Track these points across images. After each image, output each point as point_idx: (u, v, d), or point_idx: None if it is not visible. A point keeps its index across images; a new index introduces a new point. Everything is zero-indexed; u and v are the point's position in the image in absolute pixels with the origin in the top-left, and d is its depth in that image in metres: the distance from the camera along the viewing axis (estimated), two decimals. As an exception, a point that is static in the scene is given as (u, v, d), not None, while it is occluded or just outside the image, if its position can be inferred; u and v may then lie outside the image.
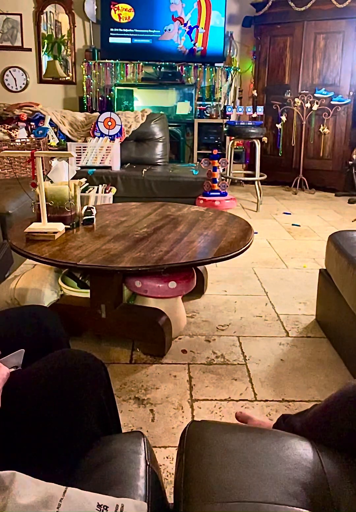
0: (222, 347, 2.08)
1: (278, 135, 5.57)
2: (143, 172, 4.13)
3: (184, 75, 5.52)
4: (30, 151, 1.94)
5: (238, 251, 1.91)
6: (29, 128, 4.29)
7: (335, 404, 0.97)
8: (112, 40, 5.41)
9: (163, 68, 5.51)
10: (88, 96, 5.51)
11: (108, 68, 5.48)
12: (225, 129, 4.95)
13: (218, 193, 4.23)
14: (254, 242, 2.14)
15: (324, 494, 0.77)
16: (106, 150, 4.19)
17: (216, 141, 5.49)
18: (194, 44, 5.46)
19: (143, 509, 0.71)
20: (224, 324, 2.29)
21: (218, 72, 5.52)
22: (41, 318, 1.17)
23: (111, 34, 5.39)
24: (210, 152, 4.36)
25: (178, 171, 4.27)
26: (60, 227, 2.04)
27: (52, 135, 4.36)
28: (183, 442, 0.91)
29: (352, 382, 0.98)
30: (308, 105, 5.21)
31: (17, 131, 3.92)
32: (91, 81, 5.49)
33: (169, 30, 5.42)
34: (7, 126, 4.04)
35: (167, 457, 1.45)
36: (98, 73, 5.48)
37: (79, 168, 3.91)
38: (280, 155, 5.62)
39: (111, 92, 5.47)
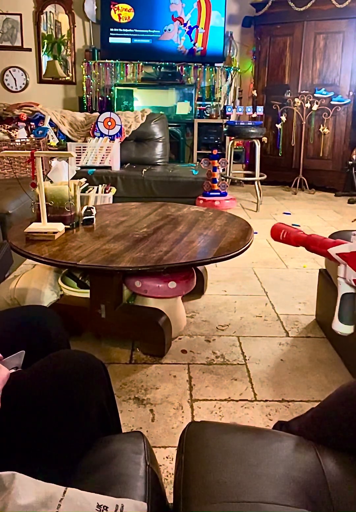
0: (222, 347, 2.09)
1: (278, 135, 5.57)
2: (143, 172, 4.13)
3: (184, 75, 5.52)
4: (30, 151, 1.94)
5: (238, 251, 1.91)
6: (29, 128, 4.29)
7: (332, 404, 0.97)
8: (112, 40, 5.41)
9: (163, 68, 5.51)
10: (88, 96, 5.51)
11: (108, 68, 5.48)
12: (225, 129, 4.95)
13: (218, 193, 4.23)
14: (254, 242, 2.14)
15: (323, 493, 0.77)
16: (106, 150, 4.19)
17: (216, 141, 5.49)
18: (194, 44, 5.46)
19: (143, 509, 0.71)
20: (224, 324, 2.29)
21: (218, 72, 5.52)
22: (41, 318, 1.17)
23: (111, 34, 5.40)
24: (210, 152, 4.36)
25: (178, 171, 4.27)
26: (60, 227, 2.04)
27: (52, 135, 4.37)
28: (182, 442, 0.91)
29: (348, 382, 0.99)
30: (308, 105, 5.21)
31: (17, 131, 3.92)
32: (91, 81, 5.49)
33: (169, 30, 5.42)
34: (7, 126, 4.04)
35: (167, 457, 1.45)
36: (98, 73, 5.49)
37: (79, 168, 3.91)
38: (280, 155, 5.62)
39: (111, 92, 5.47)
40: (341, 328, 1.09)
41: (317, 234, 1.17)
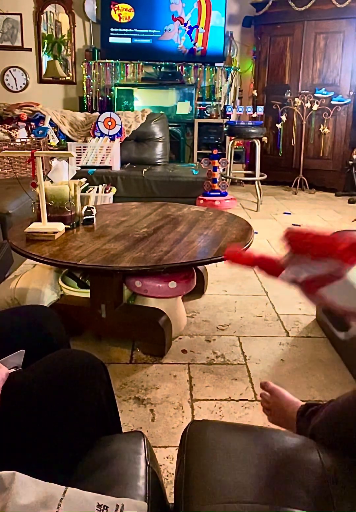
0: (222, 347, 2.08)
1: (278, 135, 5.57)
2: (143, 172, 4.13)
3: (184, 75, 5.51)
4: (30, 151, 1.94)
5: (238, 251, 1.91)
6: (29, 128, 4.29)
7: (342, 408, 0.97)
8: (112, 40, 5.41)
9: (163, 68, 5.51)
10: (88, 96, 5.50)
11: (108, 68, 5.48)
12: (225, 129, 4.95)
13: (218, 193, 4.23)
14: (254, 242, 2.14)
15: (325, 495, 0.77)
16: (106, 150, 4.19)
17: (216, 141, 5.48)
18: (194, 44, 5.46)
19: (143, 509, 0.71)
20: (224, 324, 2.29)
21: (218, 72, 5.52)
22: (41, 318, 1.17)
23: (111, 34, 5.39)
24: (210, 152, 4.36)
25: (178, 171, 4.27)
26: (60, 227, 2.04)
27: (52, 135, 4.36)
28: (184, 442, 0.90)
29: None
30: (308, 105, 5.21)
31: (17, 131, 3.92)
32: (91, 81, 5.49)
33: (169, 30, 5.42)
34: (7, 126, 4.04)
35: (167, 457, 1.45)
36: (98, 73, 5.48)
37: (79, 168, 3.91)
38: (280, 155, 5.62)
39: (111, 92, 5.47)
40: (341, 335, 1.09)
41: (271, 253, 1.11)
